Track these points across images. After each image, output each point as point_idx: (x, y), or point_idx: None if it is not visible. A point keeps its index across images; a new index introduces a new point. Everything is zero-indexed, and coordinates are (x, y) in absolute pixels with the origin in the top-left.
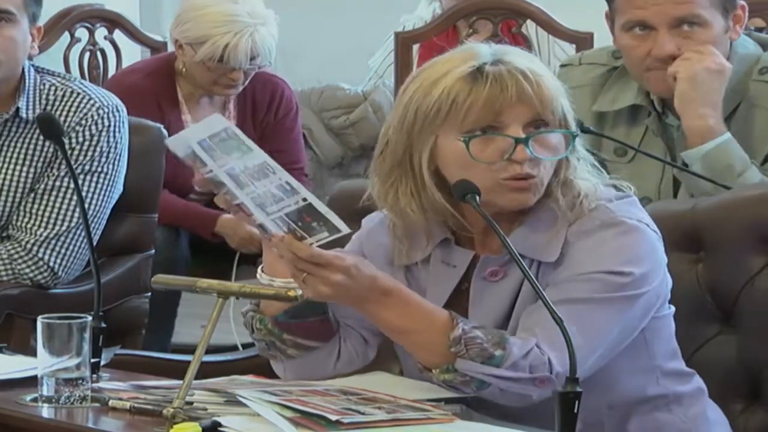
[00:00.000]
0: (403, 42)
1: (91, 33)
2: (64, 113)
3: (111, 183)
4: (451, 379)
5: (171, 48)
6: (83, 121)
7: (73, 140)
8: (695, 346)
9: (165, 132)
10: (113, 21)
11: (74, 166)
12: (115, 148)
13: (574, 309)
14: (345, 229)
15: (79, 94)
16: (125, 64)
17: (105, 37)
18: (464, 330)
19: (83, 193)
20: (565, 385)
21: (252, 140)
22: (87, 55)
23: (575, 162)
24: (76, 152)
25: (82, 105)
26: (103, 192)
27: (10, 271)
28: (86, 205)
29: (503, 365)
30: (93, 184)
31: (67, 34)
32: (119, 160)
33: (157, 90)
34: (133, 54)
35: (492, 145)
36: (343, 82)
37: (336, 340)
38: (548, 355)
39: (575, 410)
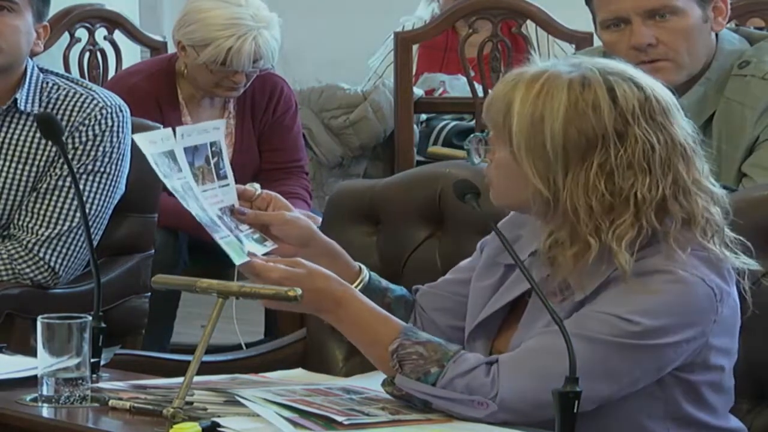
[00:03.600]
0: (403, 42)
1: (91, 33)
2: (68, 113)
3: (113, 183)
4: (391, 391)
5: (171, 48)
6: (87, 121)
7: (77, 140)
8: None
9: None
10: (113, 21)
11: (77, 166)
12: (118, 148)
13: (561, 339)
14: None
15: (82, 94)
16: (125, 64)
17: (105, 38)
18: (402, 345)
19: (86, 193)
20: (564, 384)
21: (253, 139)
22: (87, 55)
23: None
24: (79, 152)
25: (85, 105)
26: (105, 192)
27: (10, 271)
28: (88, 205)
29: (438, 383)
30: (95, 184)
31: (67, 34)
32: (122, 161)
33: (157, 91)
34: (133, 54)
35: None
36: (343, 82)
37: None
38: (497, 378)
39: (575, 410)
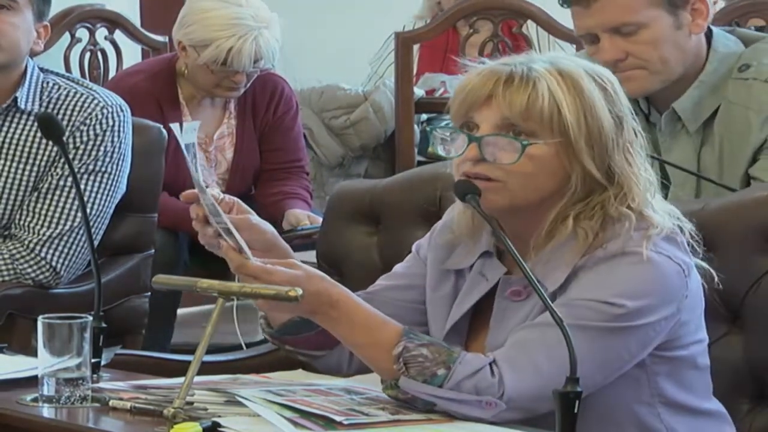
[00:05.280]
0: (404, 42)
1: (92, 33)
2: (68, 112)
3: (114, 183)
4: (395, 395)
5: (171, 49)
6: (87, 121)
7: (78, 140)
8: None
9: (165, 132)
10: (114, 21)
11: (78, 166)
12: (119, 148)
13: (554, 332)
14: (252, 258)
15: (83, 94)
16: (126, 64)
17: (105, 38)
18: (406, 347)
19: (87, 193)
20: (565, 384)
21: (254, 140)
22: (87, 55)
23: (618, 190)
24: (80, 152)
25: (86, 105)
26: (106, 192)
27: (12, 271)
28: (89, 205)
29: (445, 385)
30: (96, 184)
31: (67, 34)
32: (123, 160)
33: (158, 91)
34: (133, 54)
35: (457, 141)
36: (344, 82)
37: (344, 345)
38: (503, 378)
39: (575, 410)
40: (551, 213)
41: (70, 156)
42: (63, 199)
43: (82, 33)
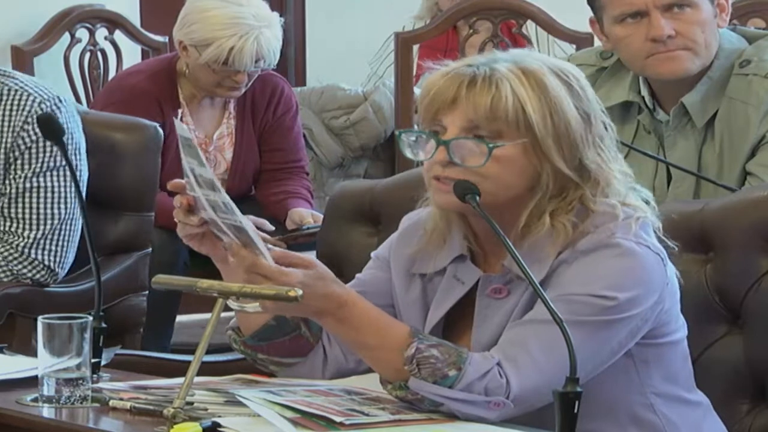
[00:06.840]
0: (403, 42)
1: (92, 33)
2: (6, 114)
3: (79, 172)
4: (404, 395)
5: (171, 48)
6: (29, 119)
7: (27, 140)
8: (703, 347)
9: (161, 131)
10: (114, 21)
11: (37, 166)
12: (72, 138)
13: (549, 329)
14: (270, 259)
15: (17, 91)
16: (126, 64)
17: (105, 38)
18: (418, 349)
19: (57, 189)
20: (565, 385)
21: (253, 140)
22: (87, 55)
23: (595, 185)
24: (33, 152)
25: (22, 103)
26: (74, 183)
27: (9, 272)
28: (63, 201)
29: (456, 386)
30: (62, 178)
31: (67, 34)
32: (78, 149)
33: (158, 91)
34: (133, 54)
35: (425, 145)
36: (343, 82)
37: (317, 351)
38: (507, 377)
39: (575, 410)
40: (525, 210)
41: (24, 160)
42: (36, 199)
43: (82, 33)
